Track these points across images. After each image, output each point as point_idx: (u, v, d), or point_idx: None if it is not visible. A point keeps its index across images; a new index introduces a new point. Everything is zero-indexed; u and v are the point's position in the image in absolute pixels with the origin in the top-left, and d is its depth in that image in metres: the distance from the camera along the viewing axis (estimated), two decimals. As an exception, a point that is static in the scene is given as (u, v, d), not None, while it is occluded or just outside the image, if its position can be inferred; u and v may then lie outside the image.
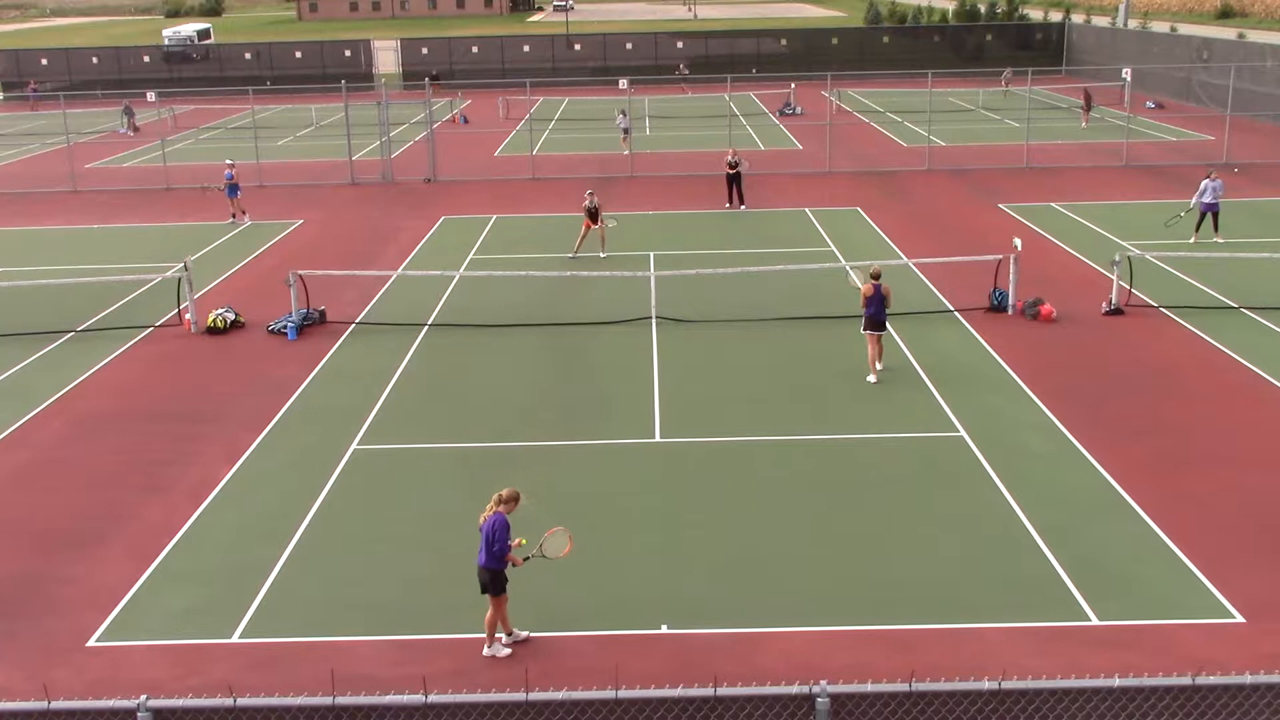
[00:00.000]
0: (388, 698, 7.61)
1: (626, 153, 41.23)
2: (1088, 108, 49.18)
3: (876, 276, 18.58)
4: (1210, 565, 12.73)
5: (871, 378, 18.60)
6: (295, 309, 22.01)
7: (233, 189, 32.01)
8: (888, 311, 18.63)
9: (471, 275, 25.32)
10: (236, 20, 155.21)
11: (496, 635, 11.53)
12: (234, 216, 32.33)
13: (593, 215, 27.12)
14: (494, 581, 11.22)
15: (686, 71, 67.66)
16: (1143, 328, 21.15)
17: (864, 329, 18.71)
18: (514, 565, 11.26)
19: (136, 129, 53.13)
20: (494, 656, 11.41)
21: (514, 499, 11.21)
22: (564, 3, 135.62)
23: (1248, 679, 7.49)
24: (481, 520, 11.25)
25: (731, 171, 32.39)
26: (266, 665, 11.30)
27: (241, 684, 10.73)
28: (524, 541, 11.32)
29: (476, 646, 11.53)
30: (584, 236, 27.23)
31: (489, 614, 11.39)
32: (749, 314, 22.27)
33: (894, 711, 7.51)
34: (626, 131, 42.56)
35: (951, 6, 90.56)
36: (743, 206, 32.48)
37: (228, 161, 33.18)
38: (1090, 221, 29.91)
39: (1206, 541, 13.27)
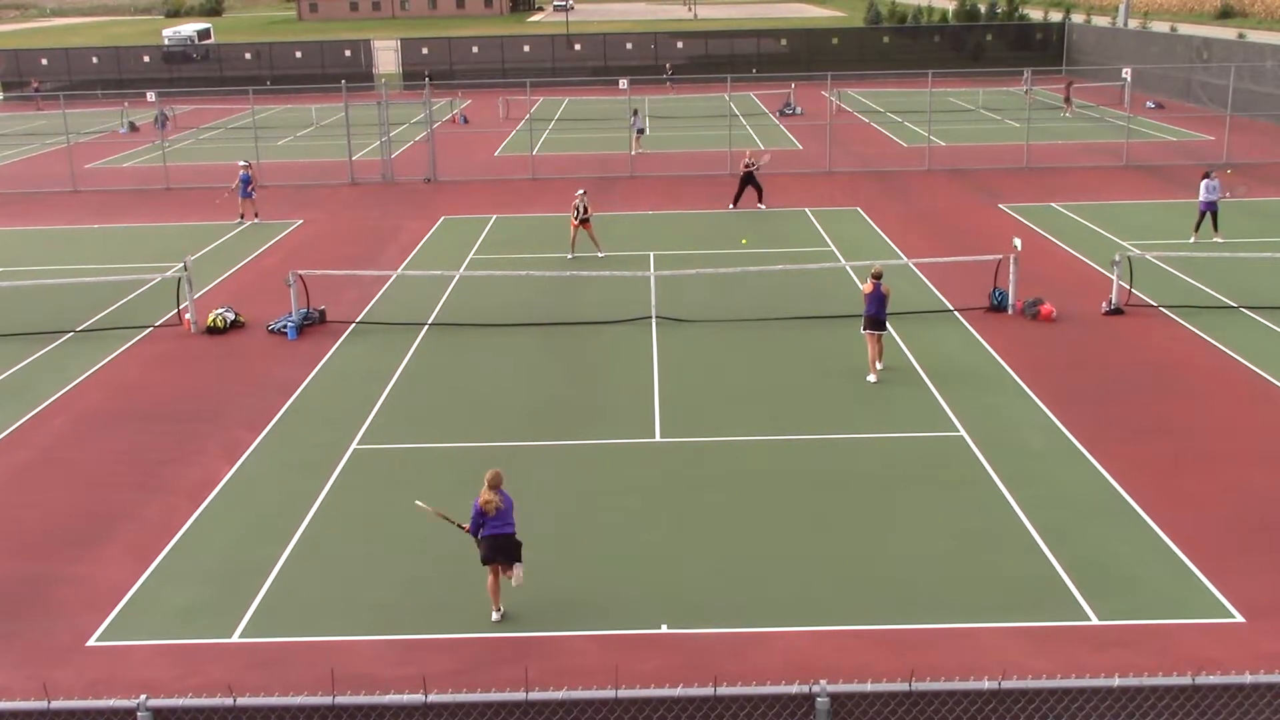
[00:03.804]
0: (388, 698, 7.61)
1: (643, 151, 41.96)
2: (1068, 98, 51.07)
3: (878, 276, 18.58)
4: (1210, 565, 12.73)
5: (871, 377, 18.61)
6: (295, 309, 22.01)
7: (246, 188, 32.02)
8: (886, 312, 18.64)
9: (471, 275, 25.32)
10: (236, 20, 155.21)
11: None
12: (242, 216, 32.29)
13: (581, 219, 27.06)
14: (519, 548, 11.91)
15: (670, 73, 67.69)
16: (1143, 328, 21.15)
17: (864, 329, 18.71)
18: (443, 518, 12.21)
19: (135, 128, 53.14)
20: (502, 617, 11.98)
21: (499, 479, 11.86)
22: (564, 3, 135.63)
23: (1248, 679, 7.49)
24: (495, 502, 11.67)
25: (746, 171, 32.32)
26: (266, 665, 11.30)
27: (241, 684, 10.73)
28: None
29: (477, 646, 11.55)
30: (575, 237, 27.22)
31: (517, 575, 11.88)
32: (749, 314, 22.27)
33: (894, 711, 7.51)
34: (641, 132, 43.01)
35: (951, 6, 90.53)
36: (747, 206, 32.41)
37: (242, 162, 33.12)
38: (1090, 221, 29.91)
39: (1206, 541, 13.27)
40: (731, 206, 32.60)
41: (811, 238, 28.94)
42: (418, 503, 12.56)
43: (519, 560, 11.86)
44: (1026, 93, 56.90)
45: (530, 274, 24.80)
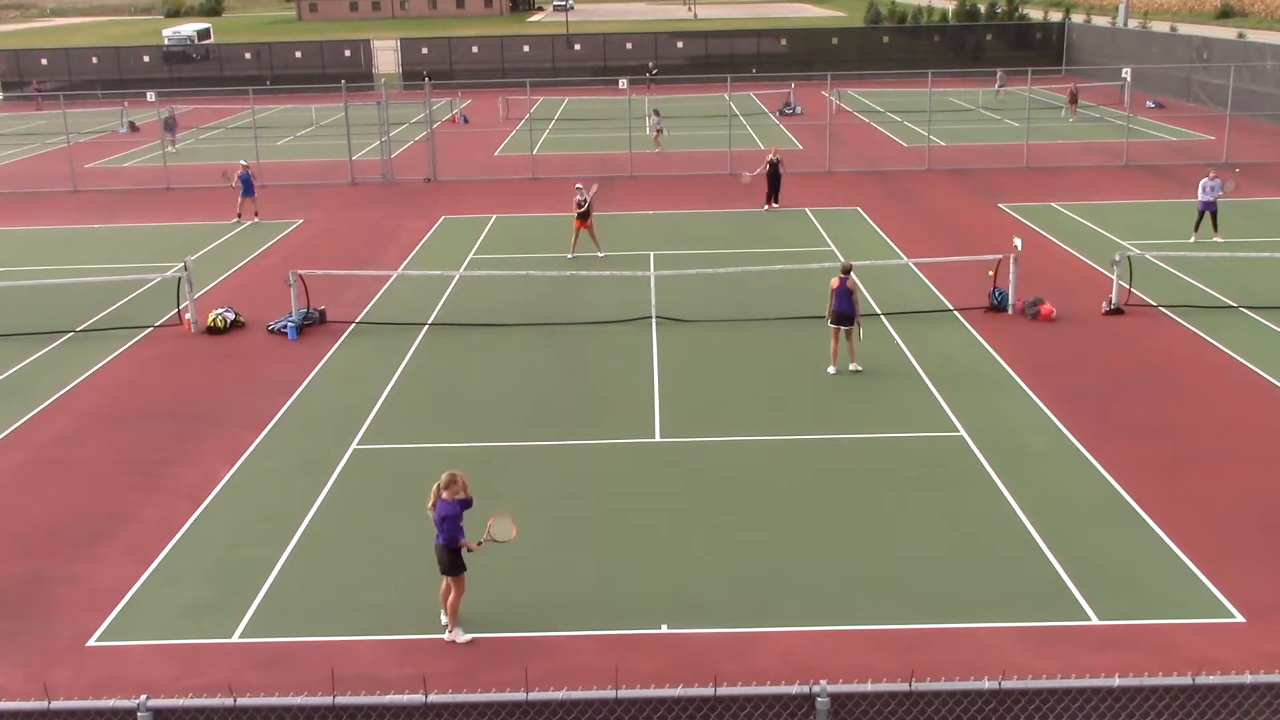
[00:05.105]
0: (388, 698, 7.60)
1: (658, 150, 42.69)
2: (1074, 101, 50.76)
3: (846, 271, 18.64)
4: (1210, 565, 12.73)
5: (831, 369, 18.83)
6: (295, 309, 22.01)
7: (248, 188, 32.11)
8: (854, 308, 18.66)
9: (471, 275, 25.32)
10: (236, 20, 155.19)
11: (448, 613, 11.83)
12: (239, 216, 32.36)
13: (583, 214, 27.01)
14: (454, 561, 11.47)
15: (654, 71, 67.81)
16: (1143, 327, 21.15)
17: (830, 322, 18.79)
18: (468, 550, 11.52)
19: (135, 128, 53.13)
20: (453, 642, 11.57)
21: (452, 482, 11.43)
22: (564, 3, 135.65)
23: (1248, 679, 7.48)
24: (430, 507, 11.51)
25: (771, 167, 32.29)
26: (266, 665, 11.30)
27: (241, 684, 10.73)
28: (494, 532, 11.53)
29: (477, 646, 11.54)
30: (576, 237, 27.21)
31: (452, 596, 11.61)
32: (749, 314, 22.27)
33: (894, 711, 7.51)
34: (660, 131, 43.89)
35: (951, 6, 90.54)
36: (775, 205, 32.40)
37: (242, 162, 33.28)
38: (1090, 221, 29.91)
39: (1207, 541, 13.27)
40: (768, 207, 32.38)
41: (811, 238, 28.94)
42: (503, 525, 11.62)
43: (449, 574, 11.49)
44: (998, 92, 57.41)
45: (530, 274, 24.79)
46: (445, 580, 11.67)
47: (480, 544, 11.53)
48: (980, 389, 18.26)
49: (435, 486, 11.50)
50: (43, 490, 15.52)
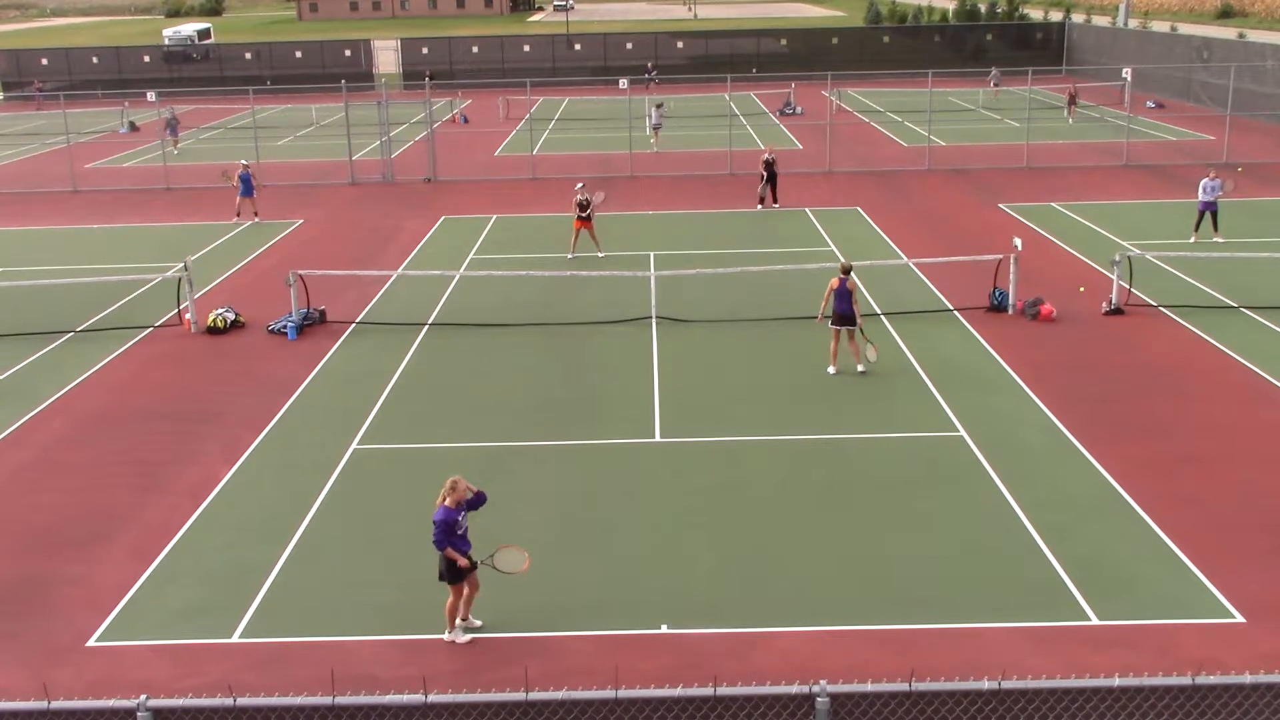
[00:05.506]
0: (388, 698, 7.60)
1: (654, 148, 42.88)
2: (1073, 103, 50.57)
3: (846, 271, 18.62)
4: (1210, 565, 12.73)
5: (831, 369, 18.86)
6: (295, 309, 22.01)
7: (248, 188, 32.14)
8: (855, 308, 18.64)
9: (471, 275, 25.32)
10: (236, 20, 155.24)
11: (465, 619, 11.79)
12: (238, 215, 32.38)
13: (585, 215, 26.99)
14: (447, 570, 11.42)
15: (654, 73, 67.75)
16: (1143, 327, 21.15)
17: (831, 323, 18.79)
18: (459, 565, 11.39)
19: (136, 128, 53.14)
20: (453, 642, 11.57)
21: (453, 489, 11.31)
22: (564, 3, 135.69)
23: (1248, 679, 7.48)
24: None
25: (767, 167, 32.28)
26: (266, 665, 11.30)
27: (241, 684, 10.73)
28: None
29: (477, 646, 11.55)
30: (576, 237, 27.21)
31: (449, 600, 11.58)
32: (749, 314, 22.27)
33: (894, 711, 7.51)
34: (657, 128, 43.96)
35: (951, 6, 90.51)
36: (775, 205, 32.45)
37: (243, 162, 33.35)
38: (1090, 221, 29.91)
39: (1206, 541, 13.27)
40: (760, 206, 32.42)
41: (811, 238, 28.94)
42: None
43: (443, 580, 11.47)
44: (994, 89, 57.47)
45: (530, 274, 24.80)
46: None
47: (477, 564, 11.43)
48: (980, 389, 18.26)
49: (442, 492, 11.48)
50: (43, 490, 15.52)
